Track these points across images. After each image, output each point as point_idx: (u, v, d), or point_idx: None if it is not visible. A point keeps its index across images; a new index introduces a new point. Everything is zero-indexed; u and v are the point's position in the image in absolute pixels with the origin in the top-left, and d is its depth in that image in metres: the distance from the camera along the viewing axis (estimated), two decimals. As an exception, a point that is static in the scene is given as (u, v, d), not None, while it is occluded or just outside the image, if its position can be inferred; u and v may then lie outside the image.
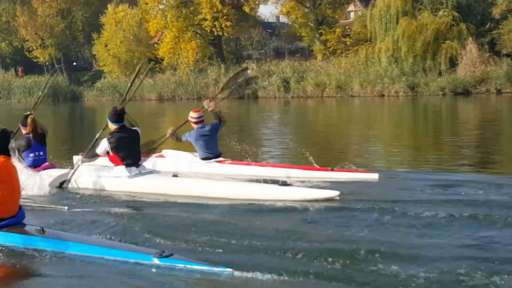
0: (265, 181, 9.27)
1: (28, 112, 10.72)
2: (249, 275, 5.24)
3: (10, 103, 59.10)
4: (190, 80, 51.45)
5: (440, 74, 40.35)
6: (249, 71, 11.71)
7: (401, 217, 7.08)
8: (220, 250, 5.98)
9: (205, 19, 52.01)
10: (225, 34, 52.73)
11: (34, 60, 65.98)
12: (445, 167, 11.75)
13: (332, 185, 9.05)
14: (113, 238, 6.52)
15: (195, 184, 9.26)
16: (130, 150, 9.62)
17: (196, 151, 11.08)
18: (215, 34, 52.85)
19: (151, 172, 9.77)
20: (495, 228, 6.61)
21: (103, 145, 9.60)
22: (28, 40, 64.41)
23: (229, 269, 5.34)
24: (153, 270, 5.55)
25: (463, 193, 8.45)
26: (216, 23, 51.89)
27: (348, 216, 7.28)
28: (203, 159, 10.86)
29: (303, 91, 44.82)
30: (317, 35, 49.97)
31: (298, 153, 15.43)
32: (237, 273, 5.29)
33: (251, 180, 9.50)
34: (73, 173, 9.94)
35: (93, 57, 77.48)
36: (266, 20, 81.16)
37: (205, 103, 11.32)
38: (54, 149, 15.24)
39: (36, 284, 5.41)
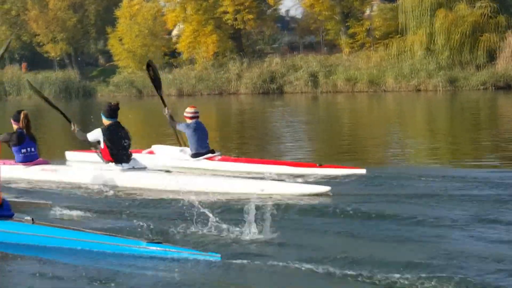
0: (257, 176, 9.57)
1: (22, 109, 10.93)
2: (238, 261, 5.39)
3: (20, 100, 57.49)
4: (210, 75, 49.89)
5: (478, 68, 39.02)
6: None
7: (385, 212, 7.14)
8: (211, 240, 6.14)
9: (226, 12, 50.44)
10: (247, 27, 51.21)
11: (45, 55, 64.17)
12: (444, 162, 11.92)
13: (320, 180, 9.10)
14: (98, 230, 6.57)
15: (188, 179, 9.36)
16: (122, 147, 9.66)
17: (185, 147, 11.43)
18: (236, 27, 51.28)
19: (144, 168, 9.82)
20: (495, 224, 6.64)
21: (97, 134, 9.65)
22: (38, 35, 62.59)
23: (218, 255, 5.50)
24: (143, 256, 5.68)
25: (458, 189, 8.45)
26: (238, 16, 50.34)
27: (336, 210, 7.34)
28: (195, 154, 11.08)
29: (333, 86, 43.35)
30: (342, 28, 48.41)
31: (296, 149, 15.17)
32: (226, 260, 5.44)
33: (243, 176, 9.72)
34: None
35: (100, 52, 75.95)
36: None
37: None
38: (57, 146, 15.33)
39: (32, 272, 5.38)
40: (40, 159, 10.61)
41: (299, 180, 9.26)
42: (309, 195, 8.38)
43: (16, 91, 60.13)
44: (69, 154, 12.09)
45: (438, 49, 39.90)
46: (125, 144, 9.75)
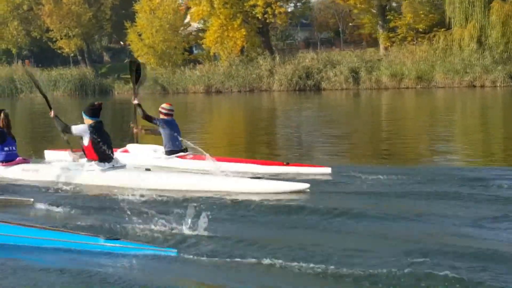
0: (232, 174, 9.63)
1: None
2: (194, 257, 5.53)
3: (34, 97, 54.96)
4: (240, 71, 47.52)
5: (535, 62, 37.04)
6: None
7: (348, 209, 7.28)
8: (177, 235, 6.24)
9: (256, 5, 48.10)
10: (278, 21, 48.95)
11: (58, 51, 61.65)
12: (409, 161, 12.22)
13: (288, 179, 9.23)
14: (72, 227, 6.70)
15: (167, 177, 9.52)
16: (107, 146, 9.74)
17: (159, 145, 11.45)
18: (267, 21, 48.97)
19: (124, 166, 9.92)
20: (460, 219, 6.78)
21: (83, 128, 9.64)
22: (51, 30, 59.99)
23: (174, 250, 5.68)
24: (101, 253, 5.82)
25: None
26: (269, 9, 48.01)
27: (300, 208, 7.54)
28: (169, 152, 11.13)
29: (376, 82, 41.12)
30: (380, 22, 46.21)
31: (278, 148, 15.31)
32: (182, 255, 5.59)
33: (214, 173, 9.83)
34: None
35: (104, 49, 73.52)
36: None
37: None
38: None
39: None
40: (20, 158, 10.71)
41: (267, 178, 9.41)
42: (288, 192, 8.51)
43: (29, 89, 57.36)
44: (48, 153, 12.11)
45: (492, 43, 37.81)
46: (109, 143, 9.84)
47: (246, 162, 10.90)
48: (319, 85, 43.76)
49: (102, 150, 9.68)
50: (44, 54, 65.85)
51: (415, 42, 43.33)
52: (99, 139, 9.64)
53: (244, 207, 7.69)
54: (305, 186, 8.62)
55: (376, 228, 6.55)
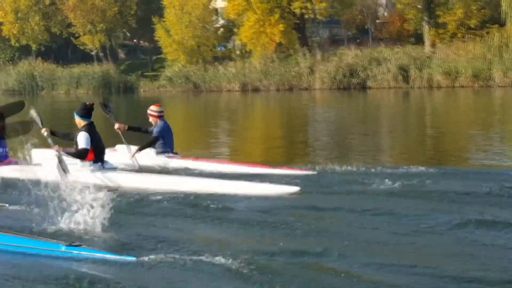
0: (222, 177, 9.78)
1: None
2: (152, 263, 5.55)
3: (56, 95, 53.22)
4: (277, 69, 45.56)
5: None
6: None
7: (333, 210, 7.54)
8: (153, 239, 6.31)
9: (294, 0, 46.18)
10: (319, 16, 47.05)
11: (81, 47, 59.64)
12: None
13: (274, 181, 9.24)
14: (38, 231, 6.67)
15: (157, 179, 9.58)
16: (101, 146, 9.78)
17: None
18: (306, 17, 47.06)
19: (114, 168, 9.93)
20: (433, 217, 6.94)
21: (87, 138, 9.51)
22: (74, 25, 57.96)
23: (132, 258, 5.73)
24: (62, 259, 5.79)
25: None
26: (308, 4, 46.08)
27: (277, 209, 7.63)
28: (160, 153, 11.06)
29: (428, 80, 39.19)
30: (425, 18, 44.25)
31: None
32: (139, 261, 5.61)
33: (202, 175, 10.01)
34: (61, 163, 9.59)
35: (119, 46, 71.54)
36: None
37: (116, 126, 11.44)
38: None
39: None
40: (11, 159, 10.67)
41: (255, 180, 9.43)
42: (279, 195, 8.56)
43: (51, 86, 55.57)
44: (34, 152, 11.76)
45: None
46: (102, 143, 9.85)
47: (234, 164, 11.05)
48: (364, 83, 41.87)
49: (98, 151, 9.74)
50: (61, 50, 63.94)
51: (465, 39, 41.46)
52: (95, 141, 9.70)
53: (228, 209, 7.69)
54: (295, 189, 8.70)
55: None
